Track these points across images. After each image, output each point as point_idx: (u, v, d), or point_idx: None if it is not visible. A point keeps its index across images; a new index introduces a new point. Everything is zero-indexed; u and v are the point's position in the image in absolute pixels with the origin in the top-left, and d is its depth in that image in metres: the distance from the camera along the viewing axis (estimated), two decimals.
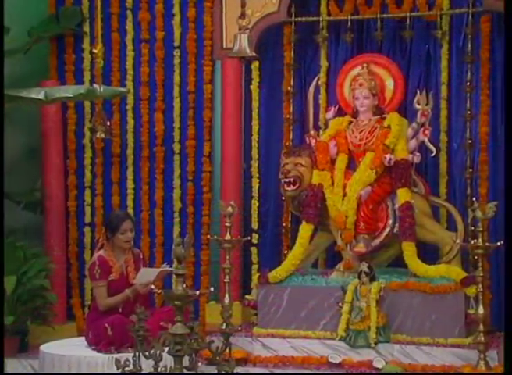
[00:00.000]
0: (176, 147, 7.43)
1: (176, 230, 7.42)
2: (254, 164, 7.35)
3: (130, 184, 7.51)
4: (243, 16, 4.97)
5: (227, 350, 3.83)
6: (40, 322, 7.04)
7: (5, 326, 6.59)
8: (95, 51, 6.54)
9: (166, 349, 3.68)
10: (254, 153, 7.36)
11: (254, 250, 7.33)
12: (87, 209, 7.60)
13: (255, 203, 7.33)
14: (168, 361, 3.67)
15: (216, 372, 3.66)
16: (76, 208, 7.62)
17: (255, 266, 7.30)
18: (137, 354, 3.60)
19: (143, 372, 3.57)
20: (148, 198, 7.50)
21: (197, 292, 3.75)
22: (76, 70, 7.62)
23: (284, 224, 7.25)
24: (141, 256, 6.12)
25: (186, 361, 3.69)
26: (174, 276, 3.69)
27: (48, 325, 7.04)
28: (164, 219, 7.48)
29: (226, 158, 7.24)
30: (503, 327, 6.50)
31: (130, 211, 7.45)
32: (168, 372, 3.50)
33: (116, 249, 5.97)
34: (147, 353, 3.55)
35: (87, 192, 7.62)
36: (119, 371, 3.46)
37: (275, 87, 7.37)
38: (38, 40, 7.47)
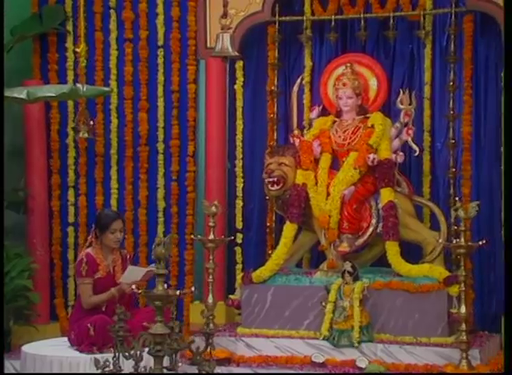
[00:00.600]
0: (160, 146, 7.43)
1: (160, 229, 7.43)
2: (239, 164, 7.36)
3: (114, 184, 7.51)
4: (225, 15, 4.99)
5: (208, 350, 3.81)
6: (22, 322, 7.04)
7: None
8: (78, 50, 6.59)
9: (147, 349, 3.68)
10: (239, 153, 7.37)
11: (238, 250, 7.34)
12: (71, 209, 7.60)
13: (239, 203, 7.34)
14: (149, 361, 3.68)
15: (197, 372, 3.66)
16: (59, 208, 7.61)
17: (239, 266, 7.30)
18: (117, 354, 3.60)
19: (123, 372, 3.57)
20: (132, 198, 7.49)
21: (178, 292, 3.75)
22: (60, 69, 7.61)
23: (268, 224, 7.26)
24: (128, 257, 6.13)
25: (166, 361, 3.70)
26: (157, 276, 3.68)
27: (31, 325, 7.03)
28: (148, 219, 7.48)
29: (210, 157, 7.26)
30: (487, 326, 6.61)
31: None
32: (148, 372, 3.51)
33: (104, 248, 5.98)
34: (126, 353, 3.55)
35: (71, 192, 7.61)
36: (99, 371, 3.45)
37: (260, 86, 7.38)
38: (21, 39, 7.45)
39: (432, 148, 7.02)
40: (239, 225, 7.34)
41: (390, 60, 7.21)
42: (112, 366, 3.55)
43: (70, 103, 7.56)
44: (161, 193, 7.43)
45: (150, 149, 7.45)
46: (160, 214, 7.44)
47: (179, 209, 7.40)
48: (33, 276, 7.18)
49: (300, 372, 6.10)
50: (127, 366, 3.74)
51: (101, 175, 7.54)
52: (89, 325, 5.54)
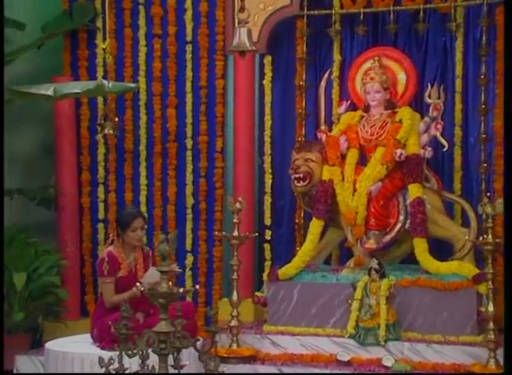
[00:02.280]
0: (189, 142, 7.46)
1: (189, 226, 7.46)
2: (267, 160, 7.36)
3: (143, 180, 7.55)
4: (242, 9, 4.95)
5: (213, 348, 3.82)
6: (52, 318, 7.11)
7: (15, 322, 6.70)
8: (104, 46, 6.60)
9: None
10: (267, 148, 7.37)
11: (267, 246, 7.35)
12: (101, 206, 7.66)
13: (268, 199, 7.33)
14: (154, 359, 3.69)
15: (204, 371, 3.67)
16: (89, 205, 7.68)
17: (268, 263, 7.29)
18: (121, 352, 3.62)
19: (127, 371, 3.58)
20: (161, 194, 7.53)
21: (181, 290, 3.75)
22: (90, 66, 7.67)
23: (297, 220, 7.23)
24: (151, 254, 6.15)
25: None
26: (161, 273, 3.69)
27: (61, 321, 7.10)
28: (176, 216, 7.50)
29: (239, 153, 7.26)
30: None
31: (143, 207, 7.51)
32: (151, 371, 3.52)
33: (126, 246, 6.02)
34: (129, 352, 3.57)
35: (101, 188, 7.67)
36: (103, 371, 3.48)
37: (289, 81, 7.37)
38: (51, 35, 7.52)
39: (463, 142, 6.95)
40: (267, 221, 7.34)
41: (423, 54, 7.15)
42: (116, 364, 3.57)
43: (100, 100, 7.62)
44: (189, 189, 7.46)
45: (178, 145, 7.48)
46: (188, 210, 7.46)
47: (207, 206, 7.42)
48: (63, 272, 7.27)
49: (314, 371, 6.04)
50: (134, 364, 3.75)
51: (131, 171, 7.59)
52: (110, 322, 5.56)
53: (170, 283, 3.65)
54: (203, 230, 7.39)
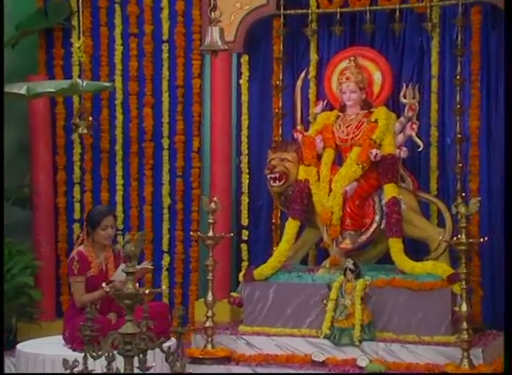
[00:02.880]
0: (165, 142, 7.45)
1: (165, 226, 7.45)
2: (245, 159, 7.35)
3: (119, 180, 7.54)
4: (214, 8, 4.94)
5: (180, 349, 3.81)
6: (26, 319, 7.08)
7: None
8: (77, 45, 6.59)
9: None
10: (244, 148, 7.36)
11: (244, 247, 7.34)
12: (76, 206, 7.64)
13: (245, 199, 7.33)
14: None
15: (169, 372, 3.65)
16: (65, 205, 7.66)
17: (245, 263, 7.29)
18: (85, 354, 3.60)
19: (95, 372, 3.57)
20: (137, 194, 7.53)
21: (147, 291, 3.74)
22: (65, 65, 7.65)
23: (274, 221, 7.23)
24: (121, 254, 6.11)
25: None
26: (125, 274, 3.67)
27: (35, 322, 7.07)
28: (153, 216, 7.49)
29: (216, 153, 7.25)
30: (496, 325, 6.52)
31: (119, 207, 7.51)
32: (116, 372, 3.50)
33: (96, 245, 6.00)
34: (94, 353, 3.55)
35: (76, 188, 7.66)
36: (68, 371, 3.46)
37: (266, 81, 7.36)
38: (25, 34, 7.49)
39: (439, 142, 6.96)
40: (244, 222, 7.33)
41: (399, 53, 7.14)
42: (81, 366, 3.55)
43: (76, 99, 7.59)
44: (166, 189, 7.45)
45: (155, 145, 7.48)
46: (165, 210, 7.46)
47: (184, 206, 7.42)
48: (38, 273, 7.23)
49: (291, 372, 6.04)
50: (100, 365, 3.73)
51: (107, 171, 7.58)
52: (82, 323, 5.53)
53: (138, 284, 3.63)
54: (179, 230, 7.38)
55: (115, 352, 3.60)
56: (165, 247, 7.45)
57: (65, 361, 3.61)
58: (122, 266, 5.80)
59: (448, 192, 6.92)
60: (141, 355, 3.51)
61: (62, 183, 7.65)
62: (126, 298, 3.57)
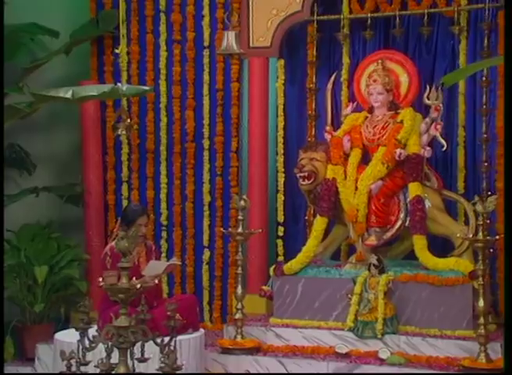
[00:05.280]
0: (206, 143, 7.44)
1: (206, 222, 7.42)
2: (280, 159, 7.28)
3: (163, 179, 7.56)
4: (230, 13, 4.88)
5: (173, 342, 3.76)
6: (75, 309, 7.12)
7: (34, 313, 6.75)
8: (118, 51, 6.62)
9: None
10: (280, 148, 7.29)
11: (279, 242, 7.27)
12: (124, 203, 7.67)
13: (281, 197, 7.26)
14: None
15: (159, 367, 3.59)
16: (114, 202, 7.70)
17: (281, 258, 7.21)
18: (79, 346, 3.58)
19: (90, 364, 3.55)
20: (180, 192, 7.53)
21: (139, 285, 3.70)
22: (114, 70, 7.67)
23: (307, 217, 7.13)
24: (153, 248, 6.13)
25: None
26: (121, 269, 3.64)
27: (83, 312, 7.09)
28: (194, 212, 7.48)
29: (253, 153, 7.19)
30: None
31: (163, 204, 7.53)
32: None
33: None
34: (87, 346, 3.53)
35: (124, 186, 7.71)
36: (65, 362, 3.44)
37: (300, 84, 7.30)
38: (77, 42, 7.56)
39: (466, 142, 6.78)
40: (280, 218, 7.25)
41: (432, 57, 7.00)
42: (77, 358, 3.53)
43: (124, 102, 7.61)
44: (206, 187, 7.44)
45: (196, 145, 7.48)
46: (205, 208, 7.44)
47: (223, 203, 7.38)
48: (88, 266, 7.28)
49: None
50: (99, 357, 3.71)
51: (152, 170, 7.61)
52: (112, 314, 5.53)
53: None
54: (219, 226, 7.33)
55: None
56: (205, 242, 7.44)
57: (62, 352, 3.59)
58: (151, 262, 5.81)
59: (475, 191, 6.73)
60: (132, 348, 3.47)
61: (111, 181, 7.71)
62: (119, 293, 3.54)
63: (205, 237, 7.43)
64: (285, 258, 7.13)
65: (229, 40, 4.89)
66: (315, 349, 6.16)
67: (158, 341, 3.62)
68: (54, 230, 7.11)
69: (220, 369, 6.12)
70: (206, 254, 7.43)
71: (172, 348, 3.57)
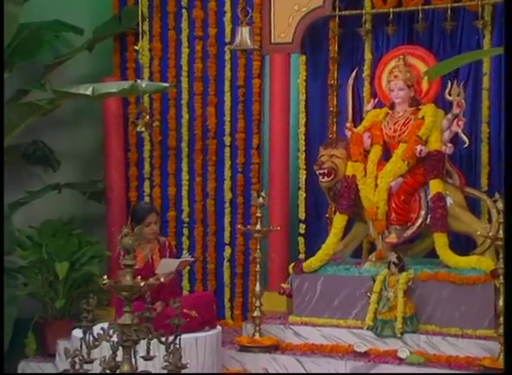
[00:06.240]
0: (227, 139, 7.35)
1: (227, 219, 7.34)
2: (301, 156, 7.16)
3: (185, 176, 7.48)
4: (244, 9, 4.78)
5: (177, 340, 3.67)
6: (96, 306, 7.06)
7: (55, 309, 6.72)
8: (137, 48, 6.55)
9: None
10: (301, 145, 7.18)
11: (300, 240, 7.16)
12: (146, 199, 7.60)
13: (302, 194, 7.14)
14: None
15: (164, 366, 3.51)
16: (136, 199, 7.64)
17: (302, 256, 7.10)
18: (81, 344, 3.51)
19: (94, 363, 3.47)
20: (201, 189, 7.45)
21: (142, 283, 3.62)
22: (137, 67, 7.60)
23: (328, 215, 7.02)
24: (167, 244, 6.04)
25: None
26: (123, 266, 3.56)
27: (104, 308, 7.05)
28: (215, 209, 7.40)
29: (274, 150, 7.08)
30: None
31: (185, 201, 7.46)
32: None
33: (141, 239, 5.90)
34: (90, 343, 3.45)
35: (146, 183, 7.64)
36: (69, 360, 3.38)
37: (322, 80, 7.18)
38: (100, 39, 7.51)
39: (490, 139, 6.61)
40: (301, 216, 7.14)
41: (456, 51, 6.82)
42: (82, 355, 3.46)
43: (146, 99, 7.55)
44: (227, 184, 7.35)
45: (217, 142, 7.40)
46: (227, 204, 7.35)
47: (244, 200, 7.29)
48: (109, 262, 7.21)
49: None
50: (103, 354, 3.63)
51: (174, 167, 7.53)
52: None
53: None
54: (240, 223, 7.24)
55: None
56: (226, 239, 7.35)
57: (66, 349, 3.53)
58: (163, 260, 5.72)
59: (499, 188, 6.55)
60: (134, 346, 3.39)
61: (133, 178, 7.65)
62: (123, 290, 3.47)
63: (226, 234, 7.34)
64: (306, 256, 7.00)
65: (243, 35, 4.79)
66: (334, 348, 6.04)
67: (163, 339, 3.53)
68: (75, 227, 7.06)
69: (238, 366, 6.03)
70: (227, 251, 7.34)
71: (177, 346, 3.48)
